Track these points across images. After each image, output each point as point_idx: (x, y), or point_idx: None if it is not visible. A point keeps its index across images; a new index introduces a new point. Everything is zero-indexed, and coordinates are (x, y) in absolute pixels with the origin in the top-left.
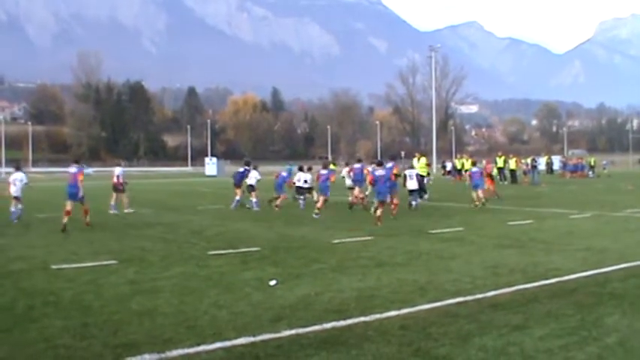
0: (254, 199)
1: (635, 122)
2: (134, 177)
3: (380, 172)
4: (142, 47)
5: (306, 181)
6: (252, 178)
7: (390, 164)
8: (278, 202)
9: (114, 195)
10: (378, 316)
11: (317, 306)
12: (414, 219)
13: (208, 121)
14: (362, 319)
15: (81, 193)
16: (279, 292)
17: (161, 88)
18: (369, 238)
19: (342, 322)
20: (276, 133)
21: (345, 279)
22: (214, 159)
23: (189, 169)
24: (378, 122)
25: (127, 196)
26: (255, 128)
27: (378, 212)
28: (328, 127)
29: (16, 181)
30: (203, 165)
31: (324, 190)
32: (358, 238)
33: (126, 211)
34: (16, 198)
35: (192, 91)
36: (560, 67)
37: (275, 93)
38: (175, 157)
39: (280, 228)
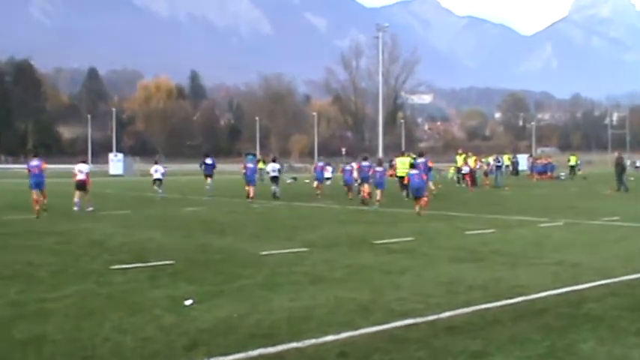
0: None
1: (614, 116)
2: (18, 175)
3: (413, 171)
4: (31, 18)
5: (279, 171)
6: (158, 172)
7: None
8: (252, 194)
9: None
10: (313, 341)
11: (241, 330)
12: (356, 227)
13: (113, 109)
14: (294, 344)
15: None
16: (196, 313)
17: (55, 67)
18: (304, 249)
19: (271, 349)
20: (194, 125)
21: (274, 298)
22: (120, 155)
23: (89, 166)
24: (315, 113)
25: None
26: (169, 119)
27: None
28: (257, 118)
29: None
30: (107, 162)
31: (381, 185)
32: (291, 250)
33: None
34: None
35: (93, 73)
36: (529, 50)
37: (194, 77)
38: (72, 151)
39: (198, 237)
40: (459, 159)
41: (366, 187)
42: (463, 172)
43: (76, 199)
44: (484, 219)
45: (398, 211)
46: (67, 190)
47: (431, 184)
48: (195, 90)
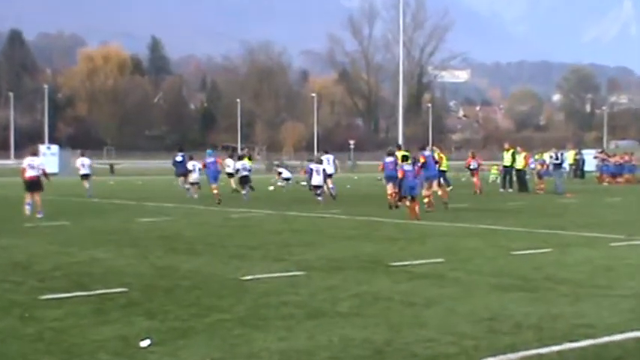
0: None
1: None
2: None
3: (407, 166)
4: None
5: (249, 170)
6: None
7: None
8: (216, 192)
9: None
10: None
11: None
12: (369, 244)
13: (45, 86)
14: None
15: None
16: (155, 357)
17: None
18: (299, 273)
19: None
20: (155, 109)
21: (259, 337)
22: (55, 147)
23: (10, 161)
24: (314, 95)
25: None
26: (121, 100)
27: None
28: (238, 100)
29: None
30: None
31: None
32: (282, 274)
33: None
34: None
35: (16, 38)
36: (600, 11)
37: (155, 46)
38: None
39: (160, 257)
40: (507, 156)
41: (390, 187)
42: (471, 167)
43: (28, 201)
44: (537, 235)
45: (424, 224)
46: None
47: (434, 187)
48: (157, 63)
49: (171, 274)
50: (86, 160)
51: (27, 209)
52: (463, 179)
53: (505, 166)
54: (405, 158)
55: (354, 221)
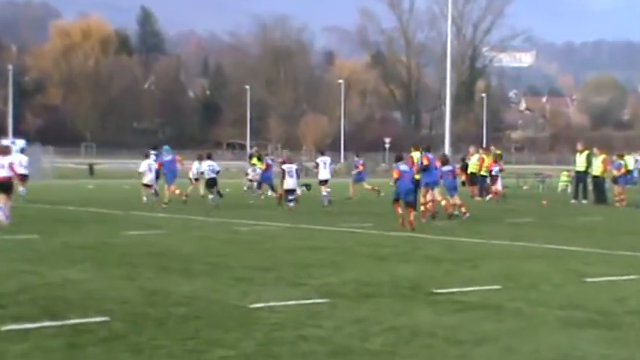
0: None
1: None
2: None
3: (404, 166)
4: None
5: (217, 172)
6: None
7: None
8: (178, 192)
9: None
10: None
11: None
12: (407, 266)
13: (9, 67)
14: None
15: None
16: None
17: None
18: (321, 301)
19: None
20: (146, 97)
21: None
22: (21, 142)
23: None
24: (341, 82)
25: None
26: (105, 85)
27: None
28: (247, 87)
29: None
30: None
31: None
32: (300, 301)
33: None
34: None
35: None
36: None
37: (145, 19)
38: None
39: (149, 279)
40: (580, 159)
41: (429, 195)
42: (493, 172)
43: (4, 205)
44: (617, 258)
45: (476, 243)
46: None
47: (437, 195)
48: (148, 40)
49: (164, 299)
50: (24, 158)
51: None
52: (525, 187)
53: (578, 172)
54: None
55: (389, 237)
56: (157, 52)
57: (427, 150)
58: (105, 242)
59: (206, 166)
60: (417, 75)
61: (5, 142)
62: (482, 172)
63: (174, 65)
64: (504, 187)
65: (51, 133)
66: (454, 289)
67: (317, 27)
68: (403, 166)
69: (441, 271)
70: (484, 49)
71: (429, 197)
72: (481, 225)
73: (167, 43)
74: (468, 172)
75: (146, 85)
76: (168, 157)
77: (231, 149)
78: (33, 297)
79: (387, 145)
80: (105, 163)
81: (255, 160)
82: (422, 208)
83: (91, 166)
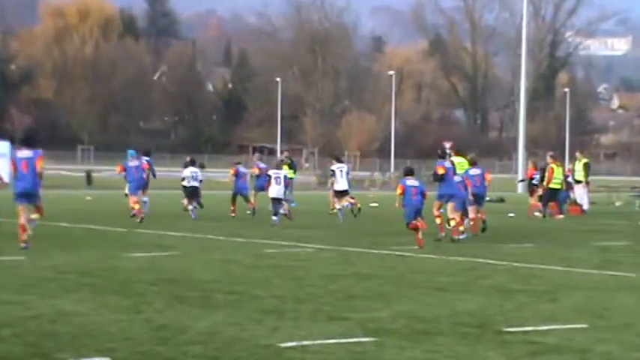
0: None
1: None
2: None
3: (411, 181)
4: None
5: (200, 181)
6: None
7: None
8: (137, 208)
9: None
10: None
11: None
12: (471, 298)
13: None
14: None
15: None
16: None
17: None
18: (367, 339)
19: None
20: (156, 90)
21: None
22: (4, 144)
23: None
24: (392, 73)
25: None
26: (105, 77)
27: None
28: (278, 80)
29: None
30: None
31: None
32: (341, 340)
33: None
34: None
35: None
36: None
37: None
38: None
39: (159, 311)
40: None
41: (472, 211)
42: (534, 181)
43: None
44: None
45: (556, 270)
46: None
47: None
48: (159, 22)
49: (176, 336)
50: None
51: None
52: (618, 204)
53: None
54: (409, 173)
55: (447, 263)
56: (169, 36)
57: (442, 157)
58: (105, 266)
59: (189, 173)
60: (484, 65)
61: None
62: (553, 185)
63: (190, 52)
64: (591, 202)
65: (41, 133)
66: (528, 328)
67: (363, 7)
68: (410, 181)
69: (511, 305)
70: (567, 33)
71: (471, 215)
72: (562, 249)
73: (181, 25)
74: (548, 186)
75: (156, 76)
76: (133, 163)
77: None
78: (18, 332)
79: (447, 151)
80: (105, 171)
81: (286, 169)
82: (438, 221)
83: (88, 173)
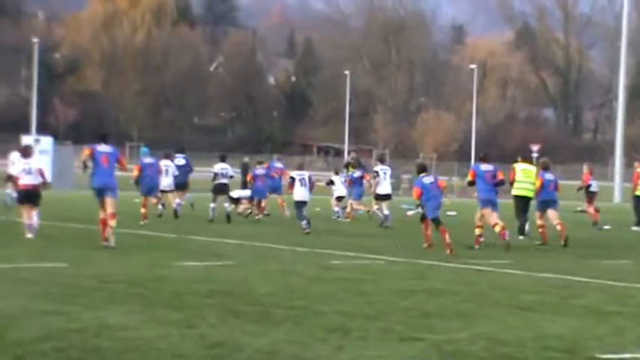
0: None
1: None
2: None
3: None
4: None
5: (231, 177)
6: None
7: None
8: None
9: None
10: None
11: None
12: (559, 319)
13: (35, 41)
14: None
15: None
16: None
17: None
18: None
19: None
20: (213, 84)
21: None
22: (47, 140)
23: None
24: (474, 67)
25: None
26: (158, 67)
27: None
28: (347, 73)
29: None
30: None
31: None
32: None
33: None
34: None
35: None
36: None
37: None
38: None
39: (213, 326)
40: None
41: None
42: (592, 189)
43: (27, 221)
44: None
45: None
46: None
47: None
48: (216, 8)
49: (232, 354)
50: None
51: (29, 230)
52: None
53: None
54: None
55: (535, 279)
56: (228, 23)
57: (483, 160)
58: (154, 275)
59: (219, 169)
60: (578, 59)
61: (27, 140)
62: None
63: (250, 42)
64: None
65: (86, 128)
66: (626, 355)
67: None
68: (427, 179)
69: (607, 328)
70: None
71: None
72: None
73: (241, 12)
74: (634, 193)
75: (212, 68)
76: (148, 160)
77: (323, 155)
78: (60, 346)
79: (534, 154)
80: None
81: (351, 170)
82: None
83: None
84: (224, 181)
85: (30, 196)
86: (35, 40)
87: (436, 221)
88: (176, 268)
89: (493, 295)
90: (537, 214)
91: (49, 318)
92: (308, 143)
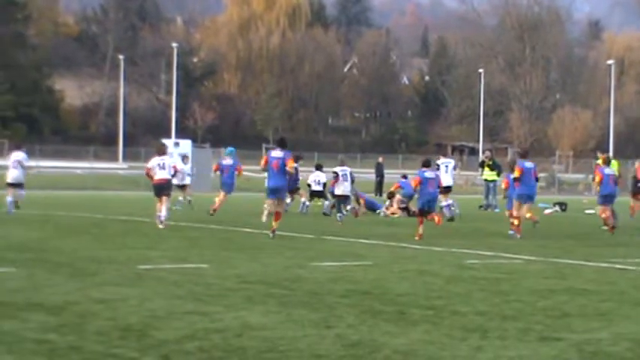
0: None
1: None
2: None
3: (429, 173)
4: None
5: (324, 184)
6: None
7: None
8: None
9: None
10: None
11: None
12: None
13: (174, 46)
14: None
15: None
16: None
17: None
18: None
19: None
20: (347, 85)
21: None
22: (186, 143)
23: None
24: (611, 63)
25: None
26: (293, 70)
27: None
28: (480, 71)
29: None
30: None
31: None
32: None
33: None
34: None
35: None
36: None
37: None
38: (88, 138)
39: (351, 325)
40: None
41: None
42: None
43: (157, 213)
44: None
45: None
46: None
47: (525, 211)
48: (350, 9)
49: (371, 354)
50: (20, 155)
51: (160, 225)
52: None
53: None
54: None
55: None
56: (361, 24)
57: (523, 156)
58: (292, 276)
59: (313, 178)
60: None
61: (166, 141)
62: None
63: (384, 42)
64: None
65: (224, 131)
66: None
67: None
68: (428, 173)
69: None
70: None
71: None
72: None
73: (374, 12)
74: None
75: (346, 69)
76: (227, 162)
77: (458, 154)
78: (204, 346)
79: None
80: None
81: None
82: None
83: None
84: (318, 188)
85: (162, 189)
86: (174, 44)
87: (423, 212)
88: (312, 269)
89: (636, 295)
90: (599, 208)
91: (192, 318)
92: (442, 142)
